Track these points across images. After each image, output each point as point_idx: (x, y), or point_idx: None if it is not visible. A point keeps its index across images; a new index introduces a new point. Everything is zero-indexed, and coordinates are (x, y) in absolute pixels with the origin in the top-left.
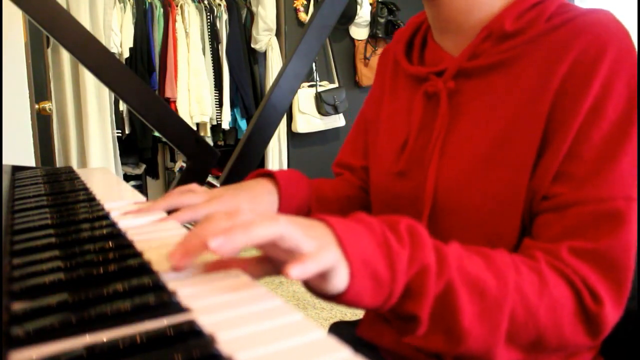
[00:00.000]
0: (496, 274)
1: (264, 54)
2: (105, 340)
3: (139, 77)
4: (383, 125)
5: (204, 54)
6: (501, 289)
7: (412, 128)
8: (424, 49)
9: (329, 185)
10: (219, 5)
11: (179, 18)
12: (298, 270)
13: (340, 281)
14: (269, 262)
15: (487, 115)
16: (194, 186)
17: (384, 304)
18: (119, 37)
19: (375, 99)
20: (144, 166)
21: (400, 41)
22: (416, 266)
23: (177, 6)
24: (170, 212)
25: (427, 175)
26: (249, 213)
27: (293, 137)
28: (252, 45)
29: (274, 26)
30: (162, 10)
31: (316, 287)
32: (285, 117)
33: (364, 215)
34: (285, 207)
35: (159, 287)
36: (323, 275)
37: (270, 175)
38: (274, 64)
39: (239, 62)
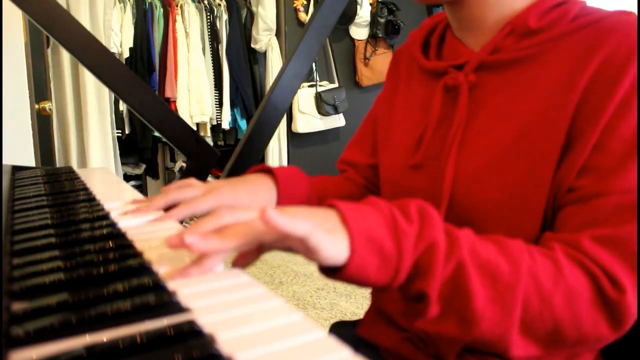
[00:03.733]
0: (509, 259)
1: (264, 54)
2: (105, 340)
3: (139, 77)
4: (397, 120)
5: (204, 54)
6: (514, 273)
7: (431, 121)
8: (442, 45)
9: (331, 183)
10: (219, 5)
11: (179, 18)
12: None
13: (336, 253)
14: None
15: (507, 110)
16: (192, 180)
17: (392, 280)
18: (119, 37)
19: (387, 97)
20: (144, 166)
21: (416, 41)
22: (424, 243)
23: (177, 6)
24: (168, 208)
25: (445, 168)
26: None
27: (293, 137)
28: (252, 45)
29: (274, 26)
30: (162, 10)
31: (314, 259)
32: (285, 117)
33: (375, 198)
34: (284, 204)
35: (159, 287)
36: (307, 248)
37: (270, 171)
38: (274, 64)
39: (239, 62)
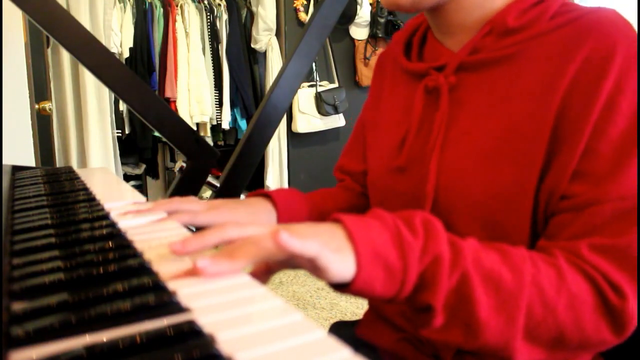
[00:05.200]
0: (512, 267)
1: (264, 54)
2: (105, 340)
3: (139, 77)
4: (382, 122)
5: (204, 54)
6: (517, 281)
7: (413, 123)
8: (423, 46)
9: (330, 197)
10: (219, 5)
11: (179, 18)
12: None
13: (344, 270)
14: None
15: (488, 110)
16: (192, 199)
17: (398, 293)
18: (119, 37)
19: (373, 100)
20: (144, 166)
21: (398, 42)
22: (429, 256)
23: (177, 6)
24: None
25: (428, 170)
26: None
27: (293, 137)
28: (252, 45)
29: (274, 26)
30: (162, 10)
31: (322, 278)
32: (285, 117)
33: (380, 211)
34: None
35: (159, 287)
36: (316, 267)
37: (267, 195)
38: (274, 64)
39: (239, 62)
